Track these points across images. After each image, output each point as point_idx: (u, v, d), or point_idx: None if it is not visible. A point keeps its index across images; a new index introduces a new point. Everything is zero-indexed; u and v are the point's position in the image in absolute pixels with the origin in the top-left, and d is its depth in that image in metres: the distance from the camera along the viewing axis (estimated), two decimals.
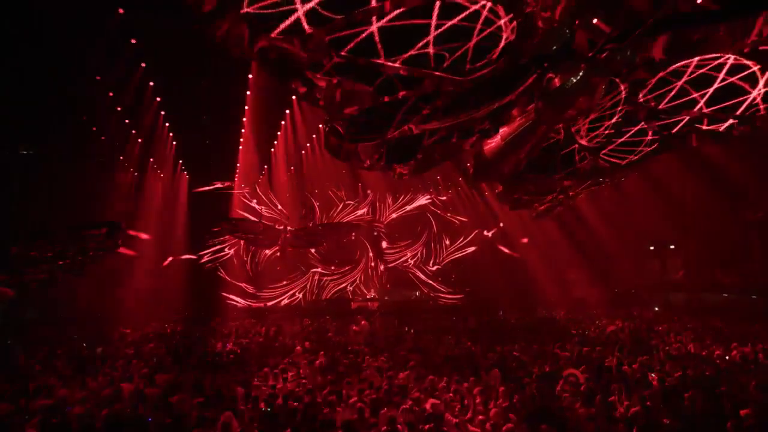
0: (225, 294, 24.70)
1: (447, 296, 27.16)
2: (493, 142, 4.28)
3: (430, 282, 27.85)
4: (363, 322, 17.55)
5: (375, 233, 28.16)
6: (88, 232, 8.32)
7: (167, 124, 19.88)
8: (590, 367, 9.50)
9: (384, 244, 28.34)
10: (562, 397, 7.79)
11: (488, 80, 3.61)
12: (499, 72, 3.57)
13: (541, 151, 4.79)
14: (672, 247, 29.36)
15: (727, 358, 10.90)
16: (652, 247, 29.80)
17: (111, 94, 16.06)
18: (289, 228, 18.95)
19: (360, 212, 27.87)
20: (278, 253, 24.10)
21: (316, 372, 10.27)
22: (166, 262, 23.36)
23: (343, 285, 27.39)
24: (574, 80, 3.30)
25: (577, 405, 7.27)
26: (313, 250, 26.26)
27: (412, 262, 28.29)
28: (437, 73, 3.52)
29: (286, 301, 26.21)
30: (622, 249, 26.53)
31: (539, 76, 3.58)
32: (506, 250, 26.97)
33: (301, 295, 26.57)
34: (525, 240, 26.36)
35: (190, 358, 12.23)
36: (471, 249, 27.98)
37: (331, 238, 19.21)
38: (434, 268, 28.25)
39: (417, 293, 28.04)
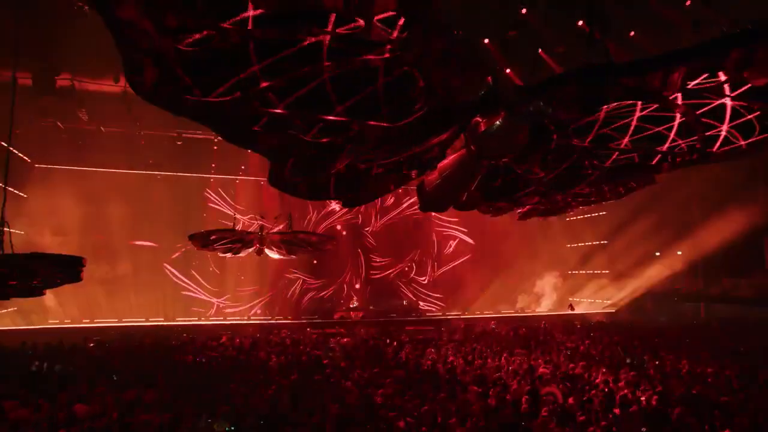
0: (192, 299, 24.99)
1: (434, 307, 27.71)
2: (432, 176, 4.70)
3: (419, 293, 28.36)
4: (344, 340, 17.89)
5: (361, 242, 28.64)
6: (52, 264, 8.65)
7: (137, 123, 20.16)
8: (573, 383, 9.94)
9: (370, 254, 28.84)
10: (539, 417, 8.18)
11: (420, 122, 4.04)
12: (428, 116, 4.01)
13: (490, 179, 5.27)
14: (679, 253, 29.89)
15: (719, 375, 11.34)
16: (658, 253, 30.33)
17: None
18: (265, 232, 19.17)
19: (348, 217, 28.35)
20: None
21: (286, 389, 10.61)
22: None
23: (325, 294, 27.78)
24: (498, 125, 3.70)
25: (552, 425, 7.66)
26: (293, 257, 26.54)
27: (401, 273, 28.86)
28: (368, 122, 3.96)
29: (259, 310, 26.58)
30: (626, 255, 27.10)
31: (467, 119, 4.01)
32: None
33: (277, 306, 26.94)
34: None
35: (158, 374, 12.51)
36: (464, 258, 28.55)
37: (310, 247, 19.48)
38: (425, 281, 28.78)
39: (404, 302, 28.49)
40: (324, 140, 4.14)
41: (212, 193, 26.12)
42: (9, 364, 13.40)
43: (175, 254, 24.99)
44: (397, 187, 5.91)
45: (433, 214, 28.88)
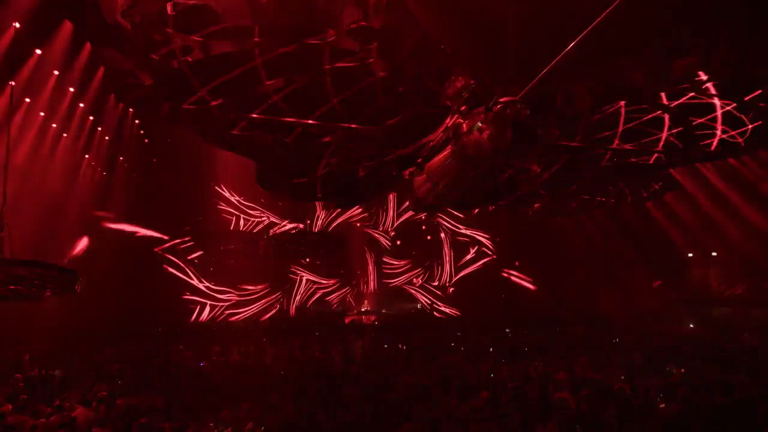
0: (194, 302, 25.50)
1: (448, 310, 27.84)
2: (421, 177, 4.89)
3: (432, 298, 28.52)
4: (357, 342, 18.15)
5: (374, 244, 28.87)
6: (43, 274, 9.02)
7: (137, 121, 20.66)
8: (591, 391, 9.99)
9: (384, 256, 29.08)
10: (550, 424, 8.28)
11: (405, 125, 4.27)
12: (413, 118, 4.23)
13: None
14: (714, 254, 29.41)
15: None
16: (690, 254, 29.88)
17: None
18: (270, 233, 19.53)
19: (361, 219, 28.64)
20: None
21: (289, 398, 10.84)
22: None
23: (335, 296, 28.05)
24: (479, 126, 3.86)
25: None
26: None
27: (415, 280, 29.06)
28: (351, 125, 4.18)
29: (266, 312, 26.98)
30: (654, 257, 26.87)
31: (451, 121, 4.21)
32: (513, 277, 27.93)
33: (277, 307, 27.31)
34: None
35: (160, 380, 12.86)
36: (481, 262, 28.66)
37: (318, 249, 19.72)
38: (442, 288, 28.94)
39: (418, 305, 28.67)
40: (310, 143, 4.38)
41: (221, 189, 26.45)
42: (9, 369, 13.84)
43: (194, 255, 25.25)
44: (388, 187, 6.13)
45: (452, 217, 29.12)
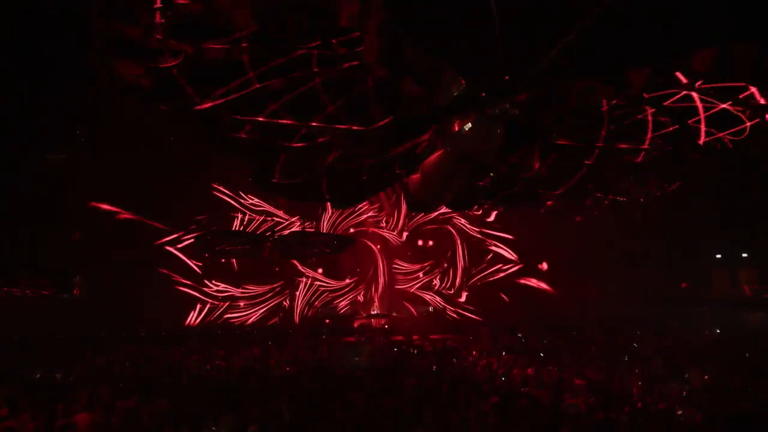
0: (197, 304, 25.74)
1: (461, 313, 27.87)
2: (416, 176, 4.97)
3: (444, 302, 28.56)
4: (368, 347, 18.23)
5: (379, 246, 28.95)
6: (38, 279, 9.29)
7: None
8: (604, 395, 9.96)
9: (395, 258, 29.16)
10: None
11: (397, 125, 4.35)
12: (403, 118, 4.31)
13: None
14: (745, 255, 28.98)
15: None
16: (719, 255, 29.47)
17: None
18: (277, 233, 19.60)
19: (373, 219, 28.77)
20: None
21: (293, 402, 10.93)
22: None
23: (344, 299, 28.15)
24: (469, 126, 3.94)
25: None
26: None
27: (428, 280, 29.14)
28: (339, 126, 4.28)
29: (271, 314, 27.11)
30: (679, 256, 26.62)
31: (442, 121, 4.29)
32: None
33: (282, 309, 27.46)
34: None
35: (162, 383, 13.03)
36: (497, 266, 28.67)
37: (326, 250, 19.74)
38: (456, 291, 28.96)
39: (430, 309, 28.67)
40: (304, 144, 4.49)
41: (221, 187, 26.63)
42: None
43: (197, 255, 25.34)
44: (386, 186, 6.23)
45: (467, 218, 29.14)
